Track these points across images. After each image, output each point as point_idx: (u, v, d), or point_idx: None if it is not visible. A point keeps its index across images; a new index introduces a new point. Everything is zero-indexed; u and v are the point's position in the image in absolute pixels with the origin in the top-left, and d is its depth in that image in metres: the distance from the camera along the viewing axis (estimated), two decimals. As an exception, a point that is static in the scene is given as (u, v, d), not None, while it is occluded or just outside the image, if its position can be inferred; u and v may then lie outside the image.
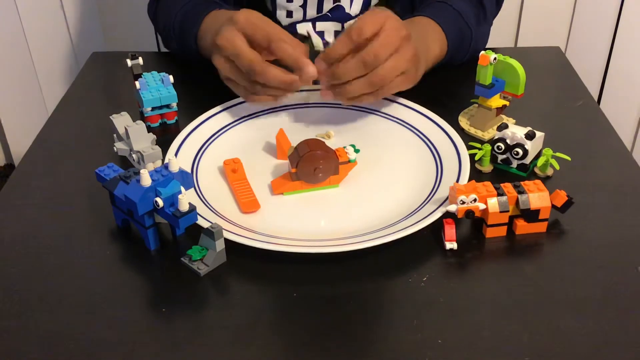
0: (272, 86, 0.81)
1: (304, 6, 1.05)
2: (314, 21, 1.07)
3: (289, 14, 1.06)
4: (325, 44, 1.07)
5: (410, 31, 0.81)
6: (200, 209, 0.72)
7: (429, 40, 0.88)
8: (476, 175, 0.80)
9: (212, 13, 0.94)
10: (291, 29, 1.08)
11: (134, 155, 0.80)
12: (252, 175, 0.79)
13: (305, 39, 1.08)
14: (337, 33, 1.09)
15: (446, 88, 0.96)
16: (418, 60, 0.83)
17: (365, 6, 1.06)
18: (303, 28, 1.08)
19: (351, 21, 1.07)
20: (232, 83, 0.86)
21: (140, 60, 0.93)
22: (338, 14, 1.06)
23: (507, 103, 0.86)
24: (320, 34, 1.08)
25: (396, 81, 0.81)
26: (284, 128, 0.84)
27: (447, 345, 0.60)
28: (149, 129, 0.86)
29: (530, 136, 0.77)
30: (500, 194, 0.70)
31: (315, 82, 0.85)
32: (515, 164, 0.79)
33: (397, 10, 1.01)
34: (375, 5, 1.07)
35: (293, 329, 0.62)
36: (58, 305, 0.64)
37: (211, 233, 0.66)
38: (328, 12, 1.06)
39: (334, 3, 1.05)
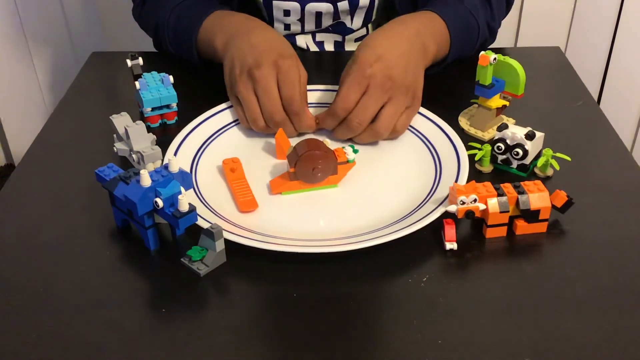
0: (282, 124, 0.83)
1: (301, 20, 1.04)
2: (313, 33, 1.07)
3: (287, 27, 1.06)
4: (324, 53, 1.07)
5: (400, 69, 0.81)
6: (200, 208, 0.72)
7: (427, 39, 0.88)
8: (476, 175, 0.80)
9: (214, 14, 0.94)
10: (290, 39, 1.07)
11: (134, 156, 0.80)
12: (251, 175, 0.79)
13: (303, 51, 1.08)
14: (337, 43, 1.08)
15: (446, 88, 0.96)
16: (414, 91, 0.84)
17: (367, 19, 1.06)
18: (302, 40, 1.07)
19: (353, 34, 1.07)
20: (239, 108, 0.85)
21: (140, 61, 0.93)
22: (339, 29, 1.06)
23: (507, 103, 0.86)
24: (320, 44, 1.08)
25: (402, 118, 0.83)
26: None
27: (447, 345, 0.60)
28: (149, 129, 0.86)
29: (530, 136, 0.77)
30: (500, 194, 0.70)
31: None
32: (515, 164, 0.79)
33: (398, 9, 1.01)
34: (377, 14, 1.07)
35: (293, 329, 0.62)
36: (58, 305, 0.64)
37: (211, 234, 0.66)
38: (329, 26, 1.05)
39: (333, 20, 1.04)
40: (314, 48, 1.08)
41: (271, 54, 0.83)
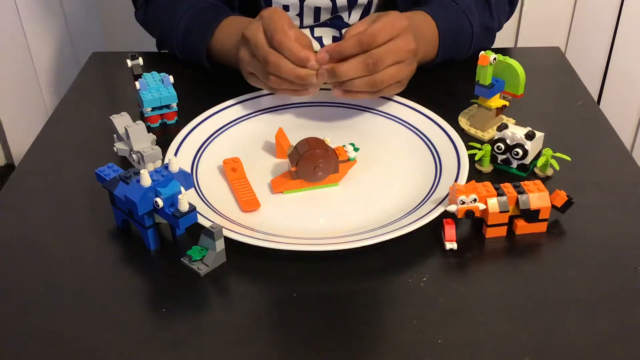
0: (287, 79, 0.82)
1: (300, 15, 1.04)
2: (312, 27, 1.07)
3: None
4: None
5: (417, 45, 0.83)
6: (201, 207, 0.72)
7: (418, 42, 0.88)
8: (476, 175, 0.80)
9: (228, 19, 0.95)
10: None
11: (134, 156, 0.80)
12: (251, 174, 0.79)
13: None
14: (335, 39, 1.09)
15: (446, 88, 0.96)
16: (413, 73, 0.86)
17: (365, 15, 1.06)
18: None
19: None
20: (254, 78, 0.86)
21: (141, 61, 0.93)
22: (337, 23, 1.06)
23: (507, 103, 0.86)
24: (319, 39, 1.08)
25: (391, 87, 0.84)
26: (283, 127, 0.84)
27: (447, 345, 0.60)
28: (149, 129, 0.86)
29: (530, 136, 0.77)
30: (500, 194, 0.70)
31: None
32: (515, 164, 0.79)
33: (399, 6, 1.01)
34: (375, 11, 1.07)
35: (293, 328, 0.62)
36: (58, 306, 0.64)
37: (211, 233, 0.66)
38: (327, 20, 1.06)
39: (332, 14, 1.05)
40: (313, 42, 1.08)
41: (258, 16, 0.84)
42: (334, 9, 1.03)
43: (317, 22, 1.06)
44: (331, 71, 0.80)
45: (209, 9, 0.98)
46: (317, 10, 1.03)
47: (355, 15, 1.06)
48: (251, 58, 0.84)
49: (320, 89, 0.92)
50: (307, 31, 1.07)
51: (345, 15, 1.05)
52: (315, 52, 0.82)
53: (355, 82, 0.81)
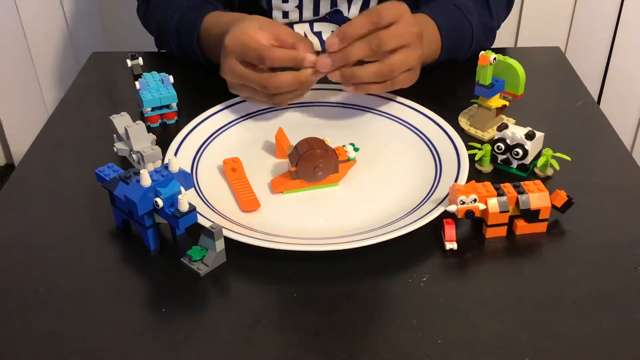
0: (286, 84, 0.81)
1: (299, 7, 1.04)
2: (311, 22, 1.07)
3: (285, 14, 1.06)
4: (322, 44, 1.07)
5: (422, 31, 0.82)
6: (201, 208, 0.72)
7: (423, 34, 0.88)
8: (476, 175, 0.80)
9: (209, 15, 0.94)
10: None
11: (134, 156, 0.80)
12: (251, 174, 0.79)
13: None
14: None
15: (446, 88, 0.96)
16: (422, 61, 0.84)
17: (364, 8, 1.06)
18: (300, 29, 1.08)
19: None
20: (257, 103, 0.85)
21: (140, 61, 0.93)
22: (336, 17, 1.06)
23: (507, 103, 0.86)
24: (318, 34, 1.08)
25: (403, 76, 0.82)
26: (283, 127, 0.84)
27: (447, 345, 0.60)
28: (149, 129, 0.86)
29: (530, 136, 0.77)
30: (500, 194, 0.70)
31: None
32: (515, 164, 0.79)
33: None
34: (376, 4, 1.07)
35: (293, 328, 0.62)
36: (58, 306, 0.64)
37: (211, 233, 0.66)
38: (326, 15, 1.06)
39: (331, 7, 1.05)
40: (312, 38, 1.08)
41: (223, 53, 0.83)
42: (334, 0, 1.03)
43: (317, 16, 1.06)
44: (335, 56, 0.79)
45: (198, 4, 0.98)
46: (316, 2, 1.03)
47: (355, 8, 1.06)
48: (245, 89, 0.83)
49: (320, 89, 0.92)
50: (306, 26, 1.07)
51: (344, 9, 1.05)
52: (317, 52, 0.81)
53: (364, 72, 0.80)
